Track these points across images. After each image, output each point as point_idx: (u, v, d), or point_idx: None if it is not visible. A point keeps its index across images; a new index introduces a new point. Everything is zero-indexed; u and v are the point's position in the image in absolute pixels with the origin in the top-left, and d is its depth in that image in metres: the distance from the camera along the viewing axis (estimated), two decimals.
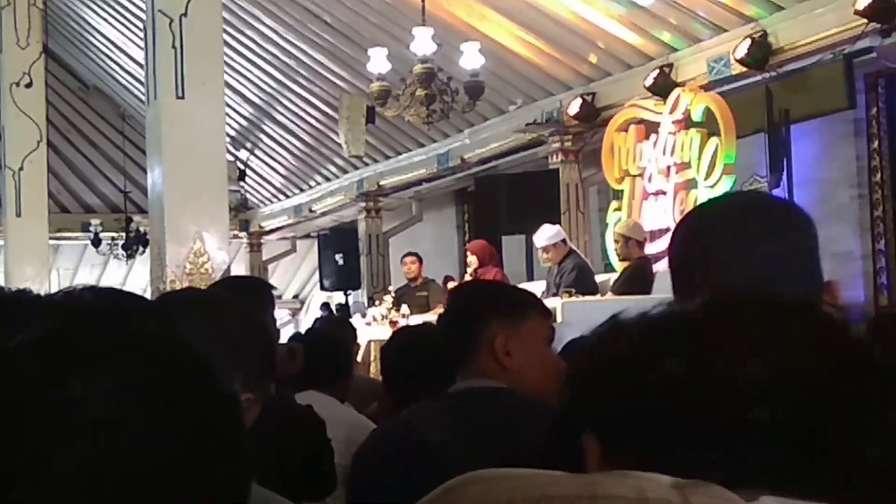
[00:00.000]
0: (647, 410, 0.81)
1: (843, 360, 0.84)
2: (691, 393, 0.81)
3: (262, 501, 1.55)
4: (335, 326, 5.44)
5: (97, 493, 0.62)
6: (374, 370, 8.68)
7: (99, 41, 17.61)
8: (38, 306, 0.71)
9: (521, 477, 0.76)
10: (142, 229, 17.26)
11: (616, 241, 9.06)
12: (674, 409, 0.81)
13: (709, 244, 1.60)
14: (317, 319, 9.81)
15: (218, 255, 6.71)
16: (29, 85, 11.90)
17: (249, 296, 2.56)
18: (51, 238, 12.80)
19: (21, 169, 11.88)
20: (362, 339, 8.66)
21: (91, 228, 18.88)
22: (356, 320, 9.32)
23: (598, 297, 8.51)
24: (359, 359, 7.96)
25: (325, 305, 14.90)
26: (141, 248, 17.71)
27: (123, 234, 18.55)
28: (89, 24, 17.18)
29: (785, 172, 8.78)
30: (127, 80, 17.91)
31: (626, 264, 8.87)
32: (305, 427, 3.15)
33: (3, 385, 0.62)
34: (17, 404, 0.63)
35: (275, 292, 3.35)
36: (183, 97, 6.77)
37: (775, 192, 9.36)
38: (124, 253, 18.66)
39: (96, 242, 18.91)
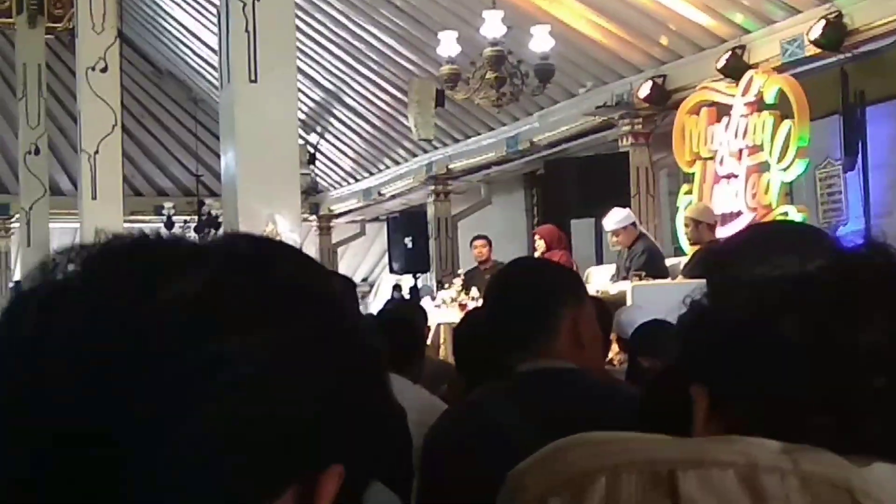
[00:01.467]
0: (762, 369, 0.80)
1: None
2: (808, 356, 0.79)
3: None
4: (408, 308, 5.48)
5: (240, 450, 0.61)
6: (444, 353, 8.71)
7: (172, 26, 17.82)
8: (193, 253, 0.68)
9: (626, 440, 0.76)
10: (213, 212, 17.45)
11: (686, 225, 9.00)
12: (789, 370, 0.79)
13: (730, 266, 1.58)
14: (388, 301, 9.86)
15: (290, 237, 6.77)
16: (104, 70, 12.07)
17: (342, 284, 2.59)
18: (125, 221, 12.98)
19: (96, 153, 12.06)
20: (432, 322, 8.68)
21: (164, 211, 19.12)
22: (425, 303, 9.36)
23: (668, 280, 8.46)
24: (428, 341, 7.99)
25: (397, 287, 14.96)
26: (213, 231, 17.87)
27: (196, 217, 18.76)
28: (163, 8, 17.39)
29: (860, 155, 8.66)
30: (199, 65, 18.10)
31: (696, 248, 8.81)
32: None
33: (157, 336, 0.60)
34: (169, 355, 0.61)
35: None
36: (256, 81, 6.83)
37: (850, 175, 9.25)
38: (197, 236, 18.84)
39: (169, 225, 19.14)
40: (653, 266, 8.64)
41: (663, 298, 5.18)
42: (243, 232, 0.74)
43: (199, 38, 16.99)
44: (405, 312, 4.43)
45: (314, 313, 0.67)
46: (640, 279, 8.12)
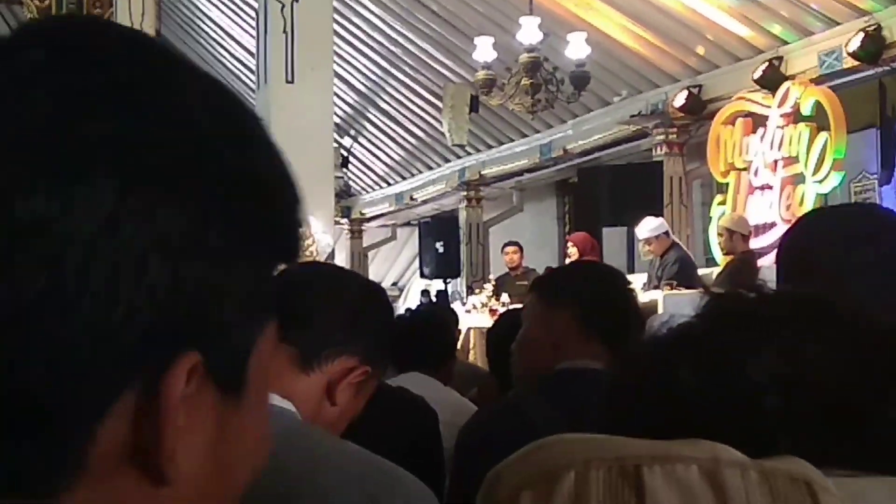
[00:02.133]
0: (673, 418, 0.85)
1: (860, 343, 0.88)
2: (706, 396, 0.85)
3: (391, 476, 1.57)
4: (440, 309, 5.48)
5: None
6: (473, 357, 8.71)
7: (209, 27, 17.91)
8: None
9: (598, 440, 0.80)
10: None
11: (720, 235, 8.96)
12: (694, 412, 0.85)
13: (813, 267, 1.58)
14: (420, 304, 9.87)
15: (323, 238, 6.80)
16: None
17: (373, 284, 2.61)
18: None
19: None
20: (462, 327, 8.69)
21: None
22: (456, 307, 9.37)
23: (699, 290, 8.43)
24: (458, 346, 8.00)
25: (425, 293, 14.97)
26: None
27: None
28: (201, 10, 17.48)
29: None
30: (236, 67, 18.18)
31: (729, 258, 8.78)
32: (418, 417, 3.16)
33: None
34: None
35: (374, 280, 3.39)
36: (293, 82, 6.87)
37: (885, 189, 9.18)
38: None
39: None
40: (685, 275, 8.62)
41: (695, 307, 5.17)
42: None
43: (235, 40, 17.07)
44: (437, 314, 4.43)
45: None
46: (672, 288, 8.10)
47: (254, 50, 7.95)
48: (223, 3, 16.29)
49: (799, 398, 0.84)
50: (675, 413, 0.86)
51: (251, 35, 8.36)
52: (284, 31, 6.88)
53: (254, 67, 8.25)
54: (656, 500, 0.73)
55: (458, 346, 8.18)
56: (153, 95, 0.56)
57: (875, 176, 9.29)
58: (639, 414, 0.89)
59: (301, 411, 1.63)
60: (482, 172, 15.47)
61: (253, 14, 8.49)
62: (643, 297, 8.28)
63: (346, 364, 1.70)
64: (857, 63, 9.02)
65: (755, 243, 9.08)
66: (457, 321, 5.58)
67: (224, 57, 18.50)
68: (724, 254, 8.97)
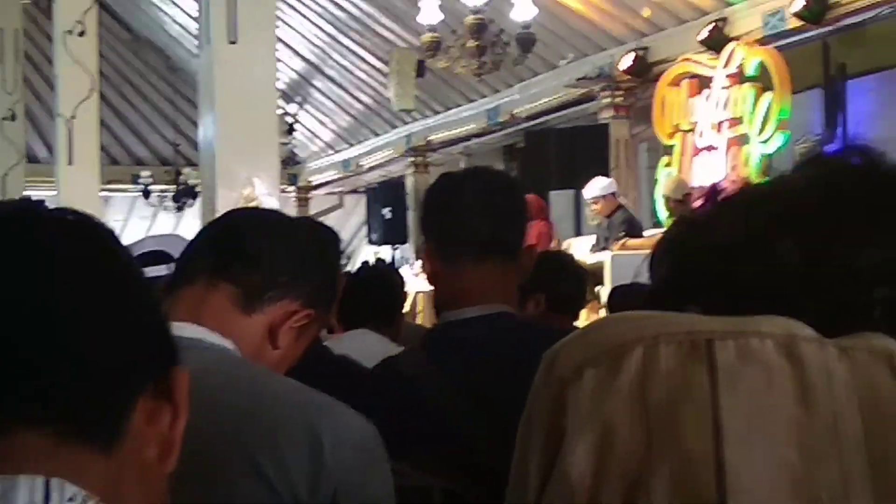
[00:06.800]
0: (761, 294, 0.80)
1: None
2: (807, 278, 0.80)
3: (318, 405, 1.55)
4: (385, 269, 5.44)
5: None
6: (421, 321, 8.70)
7: None
8: None
9: (667, 316, 0.76)
10: (191, 182, 17.36)
11: (666, 201, 9.06)
12: (789, 293, 0.79)
13: None
14: (364, 263, 9.76)
15: (268, 200, 6.73)
16: (82, 33, 11.91)
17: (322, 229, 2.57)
18: (101, 190, 12.86)
19: (73, 117, 11.94)
20: (410, 290, 8.66)
21: (141, 181, 19.01)
22: (404, 272, 9.32)
23: (646, 251, 8.46)
24: (406, 309, 7.97)
25: (380, 261, 14.92)
26: (190, 201, 17.84)
27: (173, 187, 18.67)
28: None
29: (840, 129, 8.66)
30: (178, 32, 17.96)
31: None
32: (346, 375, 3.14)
33: None
34: None
35: None
36: (235, 42, 6.77)
37: (829, 149, 9.25)
38: (174, 205, 18.81)
39: (146, 194, 19.06)
40: (633, 236, 8.64)
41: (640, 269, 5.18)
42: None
43: (177, 5, 16.85)
44: (384, 271, 4.40)
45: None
46: (625, 237, 8.16)
47: (196, 15, 7.81)
48: None
49: None
50: (765, 289, 0.80)
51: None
52: None
53: (196, 32, 8.12)
54: (729, 374, 0.70)
55: (406, 310, 8.16)
56: None
57: (819, 136, 9.35)
58: (713, 285, 0.82)
59: (242, 352, 1.60)
60: (429, 138, 15.42)
61: None
62: (591, 258, 8.30)
63: (289, 307, 1.67)
64: (801, 24, 9.06)
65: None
66: (403, 282, 5.55)
67: (166, 22, 18.28)
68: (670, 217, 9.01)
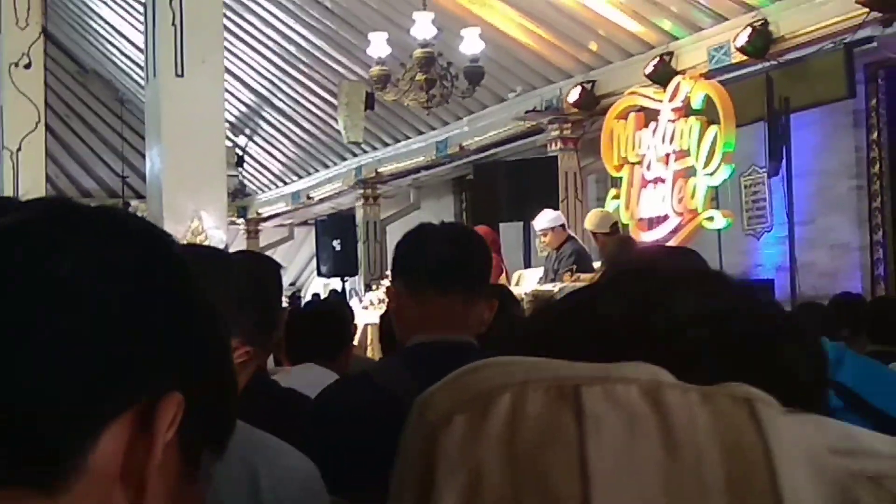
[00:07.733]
0: (595, 351, 0.83)
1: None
2: (629, 329, 0.84)
3: (256, 443, 1.54)
4: (334, 302, 5.43)
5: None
6: (371, 353, 8.66)
7: (98, 24, 17.57)
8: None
9: (534, 362, 0.77)
10: (139, 214, 17.23)
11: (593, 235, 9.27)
12: (617, 344, 0.83)
13: None
14: (314, 295, 9.76)
15: (216, 234, 6.70)
16: (28, 66, 11.88)
17: (261, 264, 2.57)
18: None
19: (19, 150, 11.86)
20: (359, 323, 8.65)
21: None
22: (353, 304, 9.32)
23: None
24: (356, 342, 7.95)
25: (334, 292, 14.92)
26: None
27: None
28: (88, 6, 17.14)
29: (784, 162, 8.76)
30: (126, 64, 17.87)
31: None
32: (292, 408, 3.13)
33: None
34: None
35: None
36: (182, 75, 6.76)
37: (774, 181, 9.37)
38: None
39: None
40: (581, 268, 8.70)
41: None
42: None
43: (125, 37, 16.78)
44: (331, 305, 4.39)
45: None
46: (573, 274, 8.20)
47: (143, 46, 7.79)
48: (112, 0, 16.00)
49: (722, 330, 0.85)
50: (598, 346, 0.83)
51: (141, 31, 8.19)
52: (173, 24, 6.76)
53: (143, 63, 8.09)
54: (596, 419, 0.70)
55: (356, 343, 8.14)
56: None
57: (764, 169, 9.47)
58: (559, 349, 0.86)
59: None
60: (378, 170, 15.44)
61: (141, 9, 8.32)
62: (541, 289, 8.34)
63: None
64: (745, 58, 9.19)
65: (649, 236, 9.19)
66: (352, 316, 5.55)
67: (114, 54, 18.19)
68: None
